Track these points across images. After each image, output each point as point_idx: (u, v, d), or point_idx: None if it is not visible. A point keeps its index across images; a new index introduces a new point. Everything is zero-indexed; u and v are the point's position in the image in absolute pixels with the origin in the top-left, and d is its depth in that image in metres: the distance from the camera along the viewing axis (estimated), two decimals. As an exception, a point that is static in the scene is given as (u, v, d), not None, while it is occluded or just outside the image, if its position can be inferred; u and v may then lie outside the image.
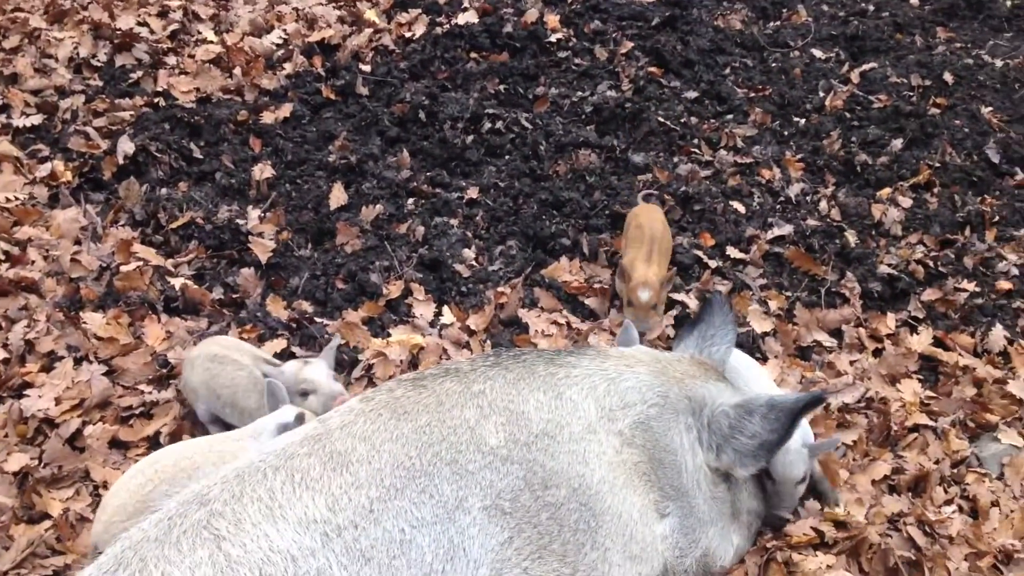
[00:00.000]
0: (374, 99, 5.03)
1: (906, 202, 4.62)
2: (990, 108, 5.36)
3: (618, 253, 4.14)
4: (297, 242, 3.91)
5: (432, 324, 3.57)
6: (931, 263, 4.26)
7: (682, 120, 5.16)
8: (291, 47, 5.43)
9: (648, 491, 2.52)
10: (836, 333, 3.87)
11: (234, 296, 3.52)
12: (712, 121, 5.21)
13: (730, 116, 5.28)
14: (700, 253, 4.20)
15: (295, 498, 2.03)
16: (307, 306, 3.50)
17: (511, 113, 5.04)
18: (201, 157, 4.42)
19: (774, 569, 2.63)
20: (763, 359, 3.64)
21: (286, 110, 4.84)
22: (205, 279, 3.59)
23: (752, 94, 5.44)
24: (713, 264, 4.16)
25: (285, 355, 3.25)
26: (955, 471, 3.10)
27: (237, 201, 4.15)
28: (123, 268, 3.47)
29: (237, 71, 5.16)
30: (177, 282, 3.42)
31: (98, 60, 5.06)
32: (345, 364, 3.27)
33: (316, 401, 2.85)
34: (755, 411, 2.59)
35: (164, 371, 3.08)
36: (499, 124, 4.94)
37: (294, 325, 3.41)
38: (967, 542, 2.71)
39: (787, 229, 4.38)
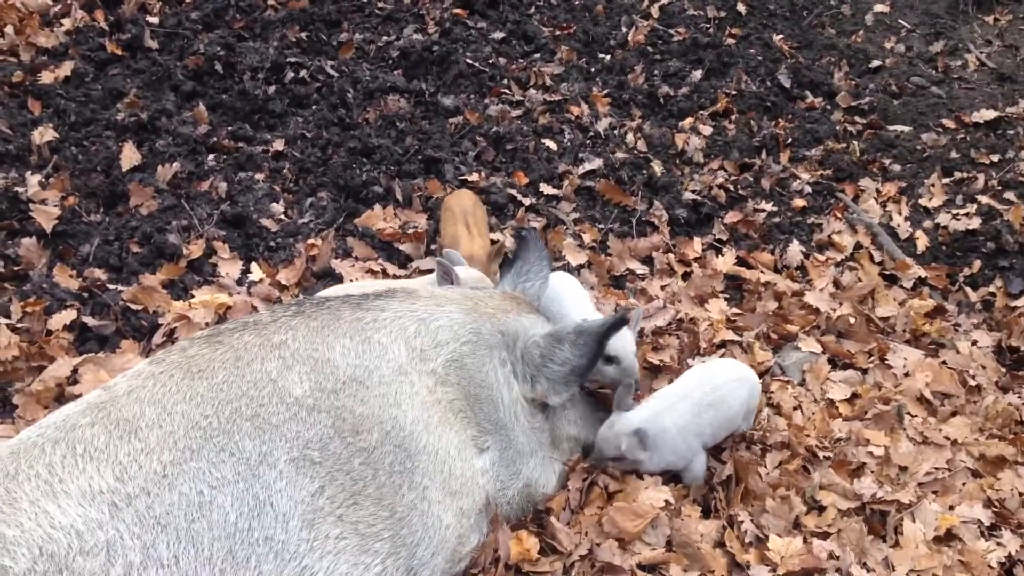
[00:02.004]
0: (165, 52, 4.73)
1: (706, 130, 4.79)
2: (781, 36, 5.62)
3: (433, 198, 4.10)
4: (86, 207, 3.64)
5: (240, 282, 3.42)
6: (732, 187, 4.45)
7: (490, 61, 5.14)
8: (69, 1, 5.01)
9: (465, 427, 2.52)
10: (647, 260, 3.98)
11: (16, 268, 3.25)
12: (520, 61, 5.21)
13: (537, 55, 5.30)
14: (514, 192, 4.21)
15: (78, 471, 1.89)
16: (100, 273, 3.27)
17: (315, 61, 4.86)
18: (-28, 123, 4.04)
19: (595, 493, 2.69)
20: (580, 291, 3.71)
21: (67, 68, 4.47)
22: (-19, 254, 3.30)
23: (558, 32, 5.48)
24: (527, 202, 4.18)
25: (77, 326, 3.03)
26: (761, 380, 3.25)
27: (16, 168, 3.81)
28: None
29: (9, 29, 4.72)
30: (-52, 259, 3.13)
31: None
32: (144, 330, 3.08)
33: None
34: (564, 339, 2.63)
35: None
36: (303, 73, 4.76)
37: (85, 294, 3.18)
38: (785, 445, 2.86)
39: (597, 163, 4.46)
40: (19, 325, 2.95)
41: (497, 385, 2.61)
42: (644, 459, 2.64)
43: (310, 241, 3.68)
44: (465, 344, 2.58)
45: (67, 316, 3.01)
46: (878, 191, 4.58)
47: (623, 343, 2.76)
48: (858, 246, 4.18)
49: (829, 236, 4.22)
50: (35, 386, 2.73)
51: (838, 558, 2.40)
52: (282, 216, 3.87)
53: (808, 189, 4.54)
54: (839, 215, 4.37)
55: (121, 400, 2.08)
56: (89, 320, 3.05)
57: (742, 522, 2.54)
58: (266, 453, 2.09)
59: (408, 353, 2.48)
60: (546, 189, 4.28)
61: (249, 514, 2.00)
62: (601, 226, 4.14)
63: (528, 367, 2.65)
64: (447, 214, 3.67)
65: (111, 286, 3.24)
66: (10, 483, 1.84)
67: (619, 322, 2.62)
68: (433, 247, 3.84)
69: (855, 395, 3.17)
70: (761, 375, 3.26)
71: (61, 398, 2.73)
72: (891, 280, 3.99)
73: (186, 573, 1.85)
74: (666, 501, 2.56)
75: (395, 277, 3.63)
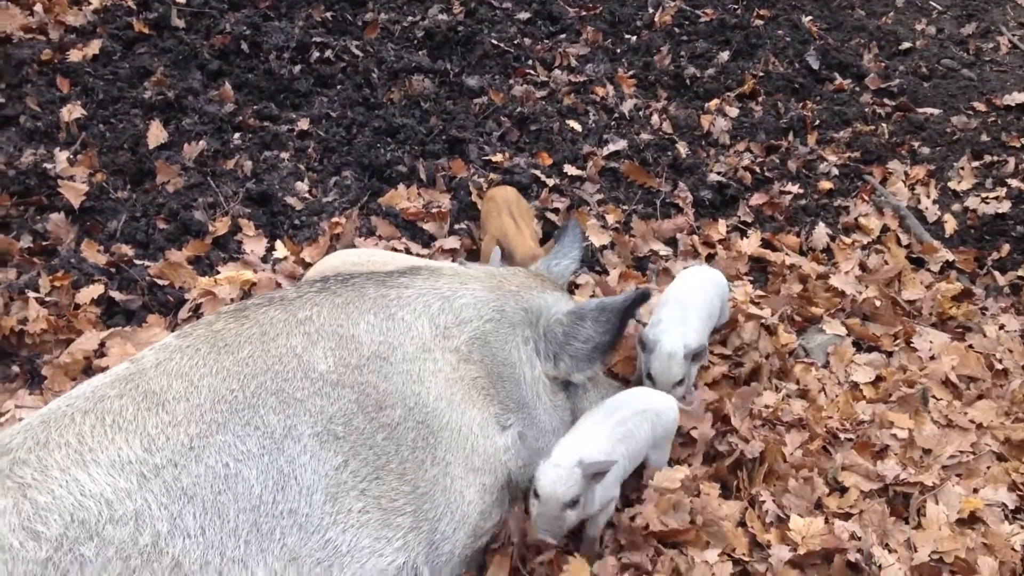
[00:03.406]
0: (191, 32, 4.75)
1: (733, 112, 4.75)
2: (810, 17, 5.56)
3: (456, 178, 4.10)
4: (113, 184, 3.67)
5: (264, 260, 3.44)
6: (758, 169, 4.42)
7: (515, 42, 5.12)
8: (97, -20, 5.04)
9: (488, 405, 2.53)
10: (671, 242, 3.96)
11: (45, 243, 3.29)
12: (545, 42, 5.19)
13: (563, 36, 5.27)
14: (538, 172, 4.20)
15: (107, 441, 1.92)
16: (127, 249, 3.31)
17: (340, 41, 4.86)
18: (3, 101, 4.08)
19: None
20: (603, 272, 3.70)
21: (95, 47, 4.50)
22: (11, 227, 3.33)
23: (583, 13, 5.45)
24: (551, 182, 4.17)
25: (104, 301, 3.07)
26: (785, 363, 3.24)
27: (45, 144, 3.85)
28: (-84, 222, 3.18)
29: (38, 8, 4.76)
30: (-22, 233, 3.18)
31: None
32: (170, 305, 3.11)
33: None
34: (587, 315, 2.63)
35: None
36: (328, 53, 4.76)
37: (113, 269, 3.22)
38: (805, 427, 2.86)
39: (621, 144, 4.44)
40: (48, 299, 2.99)
41: (520, 363, 2.61)
42: (598, 494, 2.36)
43: (334, 219, 3.69)
44: (488, 322, 2.59)
45: (95, 290, 3.05)
46: (906, 174, 4.54)
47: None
48: (885, 229, 4.14)
49: (856, 219, 4.18)
50: (63, 358, 2.78)
51: (860, 539, 2.40)
52: (307, 195, 3.89)
53: (835, 171, 4.50)
54: (866, 198, 4.33)
55: (149, 373, 2.11)
56: (116, 295, 3.09)
57: (763, 502, 2.54)
58: (291, 427, 2.11)
59: (432, 330, 2.49)
60: (570, 170, 4.27)
61: (274, 487, 2.02)
62: (625, 207, 4.13)
63: (551, 345, 2.65)
64: (491, 205, 3.66)
65: (138, 261, 3.27)
66: (41, 451, 1.87)
67: (641, 297, 2.61)
68: (457, 226, 3.85)
69: (879, 378, 3.15)
70: (785, 358, 3.25)
71: (89, 370, 2.77)
72: (918, 263, 3.95)
73: (212, 543, 1.88)
74: (686, 477, 2.56)
75: (418, 256, 3.64)
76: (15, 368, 2.81)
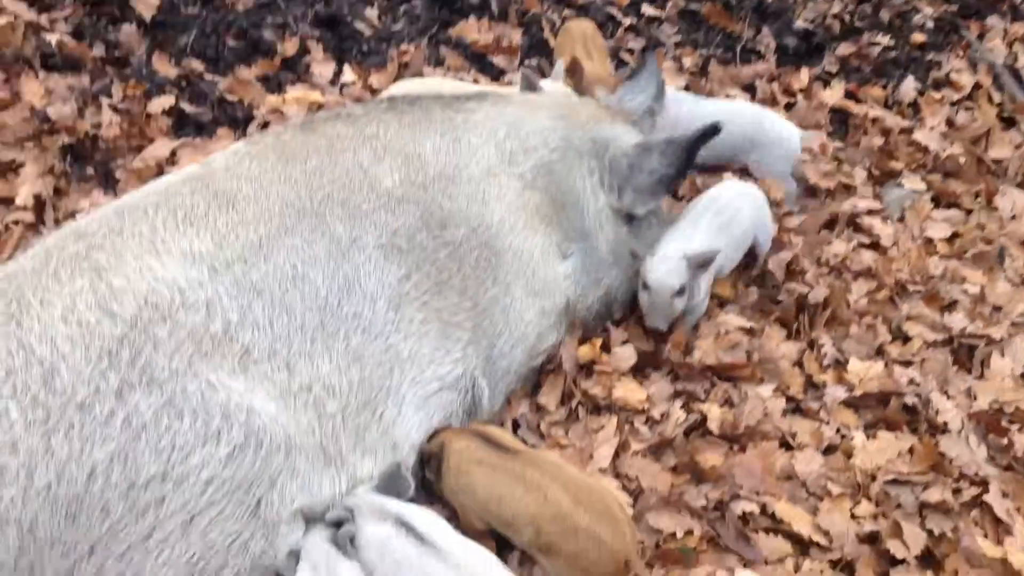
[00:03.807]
0: None
1: (825, -45, 4.47)
2: None
3: (529, 13, 3.97)
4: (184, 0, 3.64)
5: (332, 83, 3.41)
6: (847, 17, 4.20)
7: None
8: None
9: (550, 232, 2.52)
10: (749, 88, 3.82)
11: (117, 54, 3.30)
12: None
13: None
14: (614, 11, 4.04)
15: (179, 234, 1.96)
16: (197, 64, 3.30)
17: None
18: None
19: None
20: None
21: None
22: (84, 36, 3.34)
23: None
24: (627, 22, 4.02)
25: (175, 112, 3.09)
26: (861, 217, 3.15)
27: (117, -44, 3.81)
28: (-7, 23, 3.19)
29: None
30: (53, 38, 3.17)
31: None
32: (239, 121, 3.13)
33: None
34: (653, 148, 2.57)
35: (45, 127, 2.90)
36: None
37: (183, 82, 3.23)
38: (873, 276, 2.80)
39: (703, -15, 4.23)
40: (120, 106, 3.02)
41: (584, 193, 2.59)
42: (702, 286, 2.52)
43: (403, 48, 3.63)
44: (554, 151, 2.55)
45: (166, 101, 3.07)
46: (1005, 31, 4.28)
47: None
48: (977, 86, 3.93)
49: (947, 74, 3.97)
50: (136, 163, 2.83)
51: (919, 384, 2.38)
52: (376, 21, 3.81)
53: (930, 24, 4.25)
54: (961, 53, 4.10)
55: (219, 174, 2.13)
56: (187, 107, 3.11)
57: (823, 345, 2.52)
58: (356, 237, 2.14)
59: (498, 155, 2.47)
60: (648, 10, 4.11)
61: (339, 291, 2.06)
62: (703, 51, 3.97)
63: (615, 177, 2.61)
64: (565, 37, 3.55)
65: (208, 76, 3.27)
66: (116, 238, 1.92)
67: (710, 131, 2.53)
68: (527, 62, 3.75)
69: (955, 235, 3.06)
70: (860, 214, 3.14)
71: (161, 177, 2.82)
72: (1009, 123, 3.76)
73: (280, 336, 1.93)
74: (751, 328, 2.56)
75: (487, 89, 3.58)
76: (90, 170, 2.87)
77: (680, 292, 2.44)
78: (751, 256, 2.77)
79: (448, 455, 2.06)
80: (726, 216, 2.62)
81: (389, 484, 1.96)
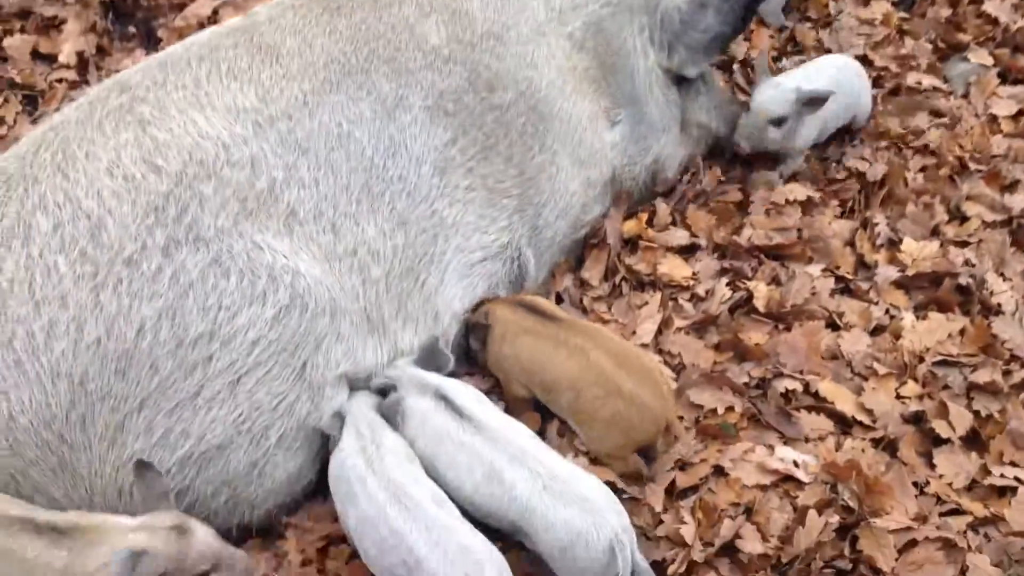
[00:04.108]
0: None
1: None
2: None
3: None
4: None
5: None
6: None
7: None
8: None
9: (599, 98, 2.44)
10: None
11: None
12: None
13: None
14: None
15: (223, 88, 1.91)
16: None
17: None
18: None
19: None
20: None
21: None
22: None
23: None
24: None
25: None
26: (923, 92, 3.01)
27: None
28: None
29: None
30: None
31: None
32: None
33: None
34: (708, 4, 2.47)
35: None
36: None
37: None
38: (933, 153, 2.71)
39: None
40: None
41: (634, 54, 2.49)
42: (802, 133, 2.55)
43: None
44: (605, 6, 2.44)
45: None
46: None
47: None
48: (1054, -46, 3.67)
49: (1021, -59, 3.71)
50: (178, 22, 2.77)
51: (974, 265, 2.32)
52: None
53: None
54: (1037, -83, 3.81)
55: (263, 27, 2.06)
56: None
57: (877, 224, 2.46)
58: (402, 97, 2.07)
59: (547, 12, 2.36)
60: None
61: (385, 152, 2.02)
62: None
63: (667, 33, 2.51)
64: None
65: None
66: (159, 91, 1.88)
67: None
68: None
69: (1021, 112, 2.92)
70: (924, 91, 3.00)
71: (202, 32, 2.76)
72: (1086, -5, 3.53)
73: (325, 196, 1.90)
74: (808, 197, 2.50)
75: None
76: (132, 28, 2.82)
77: (778, 123, 2.48)
78: (846, 130, 2.77)
79: (494, 324, 2.05)
80: (845, 76, 2.64)
81: (428, 358, 1.96)
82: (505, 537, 1.76)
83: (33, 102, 2.80)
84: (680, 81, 2.55)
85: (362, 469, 1.72)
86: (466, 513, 1.73)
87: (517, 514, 1.70)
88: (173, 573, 1.50)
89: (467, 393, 1.89)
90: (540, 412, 2.05)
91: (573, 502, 1.66)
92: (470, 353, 2.15)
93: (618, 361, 1.92)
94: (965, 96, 2.99)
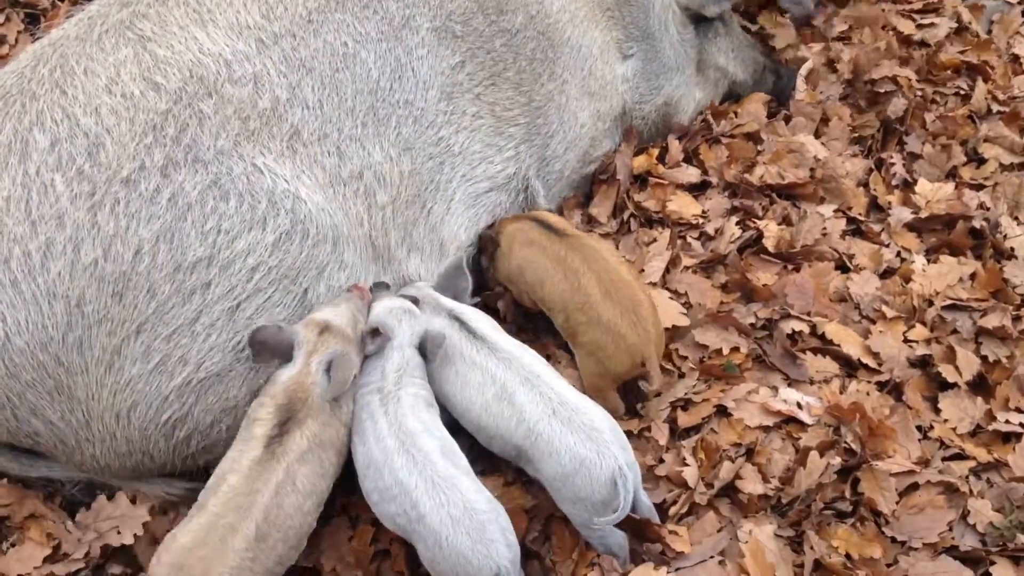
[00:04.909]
0: None
1: None
2: None
3: None
4: None
5: None
6: None
7: None
8: None
9: (611, 29, 2.37)
10: None
11: None
12: None
13: None
14: None
15: (226, 4, 1.83)
16: None
17: None
18: None
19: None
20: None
21: None
22: None
23: None
24: None
25: None
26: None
27: None
28: None
29: None
30: None
31: None
32: None
33: None
34: None
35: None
36: None
37: None
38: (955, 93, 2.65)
39: None
40: None
41: None
42: None
43: None
44: None
45: None
46: None
47: None
48: None
49: None
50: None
51: (988, 208, 2.27)
52: None
53: None
54: None
55: (266, -58, 1.97)
56: None
57: (893, 164, 2.40)
58: (409, 17, 2.00)
59: (560, -63, 2.27)
60: None
61: (391, 75, 1.95)
62: None
63: None
64: None
65: None
66: (160, 7, 1.80)
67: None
68: None
69: (1046, 51, 2.84)
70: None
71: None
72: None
73: (330, 118, 1.84)
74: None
75: None
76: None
77: None
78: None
79: (502, 237, 2.03)
80: None
81: (449, 280, 1.92)
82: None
83: (35, 20, 2.71)
84: (699, 21, 2.47)
85: (375, 407, 1.69)
86: (473, 445, 1.71)
87: (523, 437, 1.68)
88: None
89: (482, 318, 1.86)
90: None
91: (580, 429, 1.64)
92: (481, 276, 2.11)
93: (606, 289, 1.89)
94: (988, 34, 2.91)
